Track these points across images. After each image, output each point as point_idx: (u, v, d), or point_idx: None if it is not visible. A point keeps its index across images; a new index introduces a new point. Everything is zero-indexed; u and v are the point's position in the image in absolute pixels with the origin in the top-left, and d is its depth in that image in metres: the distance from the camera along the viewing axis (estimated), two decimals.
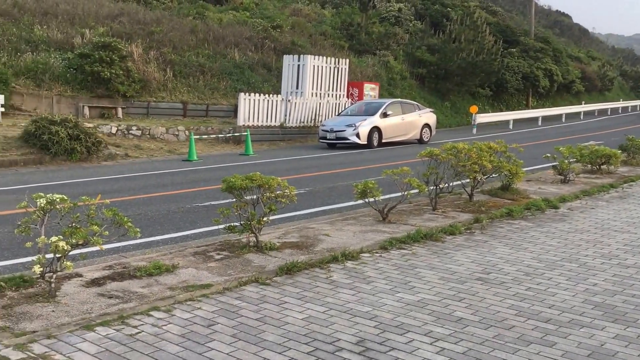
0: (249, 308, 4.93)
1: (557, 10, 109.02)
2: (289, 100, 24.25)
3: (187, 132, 21.15)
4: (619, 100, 54.88)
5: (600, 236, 7.70)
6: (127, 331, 4.44)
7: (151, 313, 4.79)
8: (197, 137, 19.75)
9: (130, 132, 20.75)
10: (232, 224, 6.70)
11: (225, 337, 4.34)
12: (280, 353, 4.09)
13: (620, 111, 49.61)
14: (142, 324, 4.57)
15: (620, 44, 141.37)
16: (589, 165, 13.35)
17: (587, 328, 4.63)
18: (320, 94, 25.87)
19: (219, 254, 6.48)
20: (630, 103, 54.68)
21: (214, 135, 21.75)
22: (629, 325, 4.70)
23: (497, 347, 4.25)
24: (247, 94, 23.11)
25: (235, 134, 21.67)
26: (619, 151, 14.05)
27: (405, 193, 8.23)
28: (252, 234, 6.73)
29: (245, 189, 6.62)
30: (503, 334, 4.48)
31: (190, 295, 5.20)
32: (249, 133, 19.80)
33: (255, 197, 6.72)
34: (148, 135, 20.87)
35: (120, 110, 23.18)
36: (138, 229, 5.43)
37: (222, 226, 6.79)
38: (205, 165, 16.32)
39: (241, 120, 22.44)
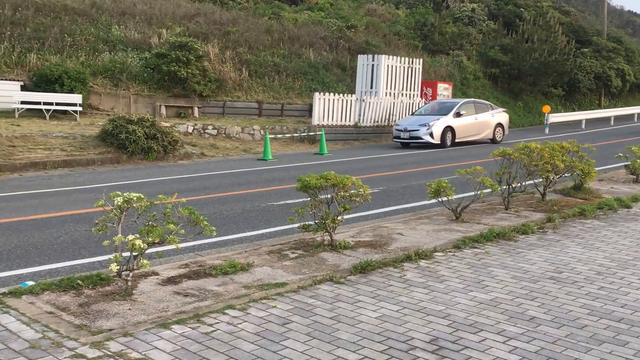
0: (323, 307, 5.04)
1: (629, 11, 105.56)
2: (363, 100, 24.35)
3: (262, 131, 21.61)
4: None
5: None
6: (202, 329, 4.49)
7: (226, 311, 4.85)
8: (272, 136, 20.09)
9: (206, 131, 21.36)
10: (306, 222, 6.83)
11: (299, 336, 4.45)
12: (354, 352, 4.18)
13: None
14: (218, 322, 4.63)
15: None
16: None
17: None
18: (394, 93, 25.89)
19: (293, 253, 6.64)
20: None
21: (289, 135, 22.07)
22: None
23: (569, 346, 4.31)
24: (321, 93, 23.33)
25: (310, 134, 21.94)
26: None
27: (478, 192, 8.26)
28: (327, 233, 6.88)
29: (319, 188, 6.72)
30: (575, 333, 4.53)
31: (265, 293, 5.30)
32: (323, 132, 20.06)
33: (329, 196, 6.84)
34: (224, 135, 21.43)
35: (196, 110, 23.89)
36: (214, 228, 5.44)
37: (296, 225, 6.92)
38: (280, 164, 16.63)
39: (316, 119, 22.66)
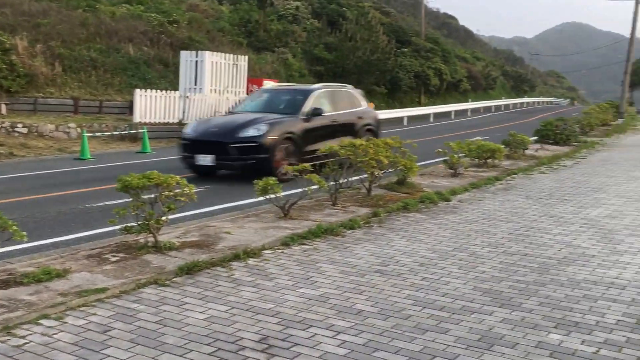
0: (147, 311, 4.82)
1: (445, 13, 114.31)
2: (187, 97, 23.87)
3: (78, 129, 20.34)
4: (502, 99, 58.13)
5: (488, 226, 8.12)
6: (13, 342, 4.18)
7: (40, 321, 4.54)
8: (90, 134, 19.02)
9: (15, 129, 19.72)
10: (128, 224, 6.51)
11: (122, 343, 4.22)
12: (180, 356, 4.03)
13: (502, 108, 52.75)
14: (31, 334, 4.32)
15: (502, 46, 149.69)
16: (476, 160, 14.01)
17: (477, 314, 4.88)
18: (220, 90, 25.62)
19: (114, 256, 6.28)
20: (512, 101, 58.45)
21: (109, 133, 21.03)
22: (514, 309, 5.01)
23: (395, 336, 4.40)
24: (143, 90, 22.53)
25: (132, 132, 21.06)
26: (503, 146, 14.85)
27: (306, 189, 8.33)
28: (150, 234, 6.59)
29: (142, 187, 6.44)
30: (401, 324, 4.64)
31: (84, 300, 4.99)
32: (145, 130, 19.32)
33: (153, 196, 6.57)
34: (35, 133, 19.91)
35: (3, 107, 21.96)
36: (24, 233, 5.21)
37: (118, 227, 6.57)
38: (99, 163, 15.76)
39: (137, 117, 21.87)
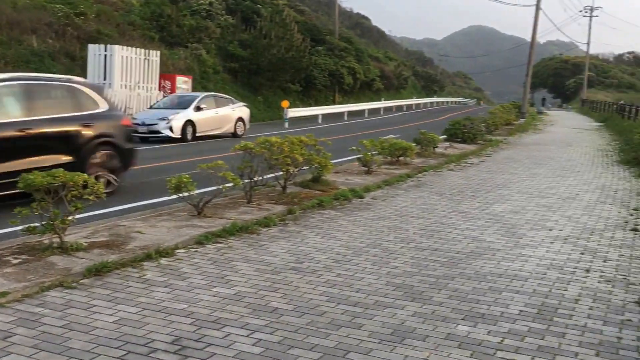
0: (52, 315, 4.62)
1: (358, 13, 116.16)
2: None
3: None
4: (413, 98, 59.68)
5: (400, 222, 8.30)
6: None
7: None
8: None
9: None
10: (32, 224, 6.21)
11: (24, 349, 4.02)
12: None
13: (414, 107, 54.23)
14: None
15: (413, 47, 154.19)
16: (389, 157, 14.30)
17: (390, 308, 4.98)
18: (131, 86, 24.94)
19: (16, 258, 5.96)
20: (422, 100, 60.23)
21: None
22: (425, 303, 5.14)
23: (310, 333, 4.42)
24: None
25: None
26: (414, 144, 15.23)
27: (221, 187, 8.22)
28: (56, 235, 6.31)
29: (46, 186, 6.19)
30: (316, 320, 4.67)
31: None
32: None
33: (58, 194, 6.32)
34: None
35: None
36: None
37: (20, 227, 6.27)
38: None
39: None
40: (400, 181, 11.93)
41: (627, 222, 8.81)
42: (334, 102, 44.30)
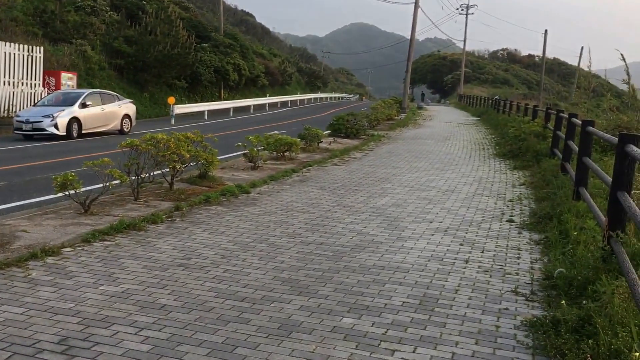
0: None
1: (242, 10, 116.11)
2: None
3: None
4: (297, 94, 60.29)
5: (286, 217, 8.50)
6: None
7: None
8: None
9: None
10: None
11: None
12: None
13: (298, 103, 54.79)
14: None
15: (297, 43, 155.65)
16: (275, 153, 14.50)
17: (277, 302, 5.14)
18: (14, 82, 23.78)
19: None
20: (306, 96, 61.01)
21: None
22: (311, 296, 5.35)
23: (198, 329, 4.50)
24: None
25: None
26: (299, 139, 15.53)
27: (107, 184, 8.10)
28: None
29: None
30: (204, 316, 4.75)
31: None
32: None
33: None
34: None
35: None
36: None
37: None
38: None
39: None
40: (285, 176, 12.14)
41: (503, 214, 9.34)
42: (219, 99, 43.97)
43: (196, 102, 38.78)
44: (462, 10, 75.20)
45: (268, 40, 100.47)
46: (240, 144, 13.05)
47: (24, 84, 24.39)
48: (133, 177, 8.87)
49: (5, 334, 4.26)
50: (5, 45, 23.66)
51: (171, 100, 30.87)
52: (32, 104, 23.32)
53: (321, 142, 17.69)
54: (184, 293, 5.25)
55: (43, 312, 4.69)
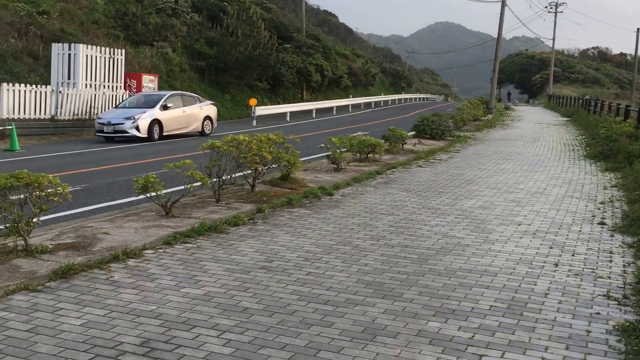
0: (17, 319, 4.53)
1: (325, 10, 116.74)
2: (60, 92, 22.77)
3: None
4: (381, 95, 59.96)
5: (370, 219, 8.31)
6: None
7: None
8: None
9: None
10: None
11: None
12: None
13: (382, 104, 54.47)
14: None
15: (380, 43, 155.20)
16: (358, 154, 14.34)
17: (361, 306, 4.98)
18: (96, 85, 24.67)
19: None
20: (390, 97, 60.50)
21: None
22: (396, 300, 5.15)
23: (280, 332, 4.40)
24: (10, 84, 21.25)
25: None
26: (383, 141, 15.30)
27: (188, 186, 8.15)
28: (20, 237, 6.20)
29: (9, 188, 6.07)
30: (286, 319, 4.64)
31: None
32: (14, 127, 18.18)
33: (22, 196, 6.20)
34: None
35: None
36: None
37: None
38: None
39: (4, 112, 20.68)
40: (369, 178, 11.96)
41: (594, 216, 8.95)
42: (301, 100, 44.23)
43: (278, 103, 39.15)
44: (551, 8, 72.76)
45: (351, 41, 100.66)
46: (322, 145, 12.96)
47: (106, 86, 25.22)
48: (214, 179, 8.91)
49: (88, 335, 4.28)
50: (88, 49, 24.57)
51: (253, 101, 31.22)
52: (114, 106, 23.96)
53: (405, 143, 17.39)
54: (266, 296, 5.17)
55: (125, 314, 4.70)
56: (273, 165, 10.38)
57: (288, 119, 33.10)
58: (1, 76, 23.82)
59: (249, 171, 9.81)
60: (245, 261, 6.19)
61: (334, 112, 40.66)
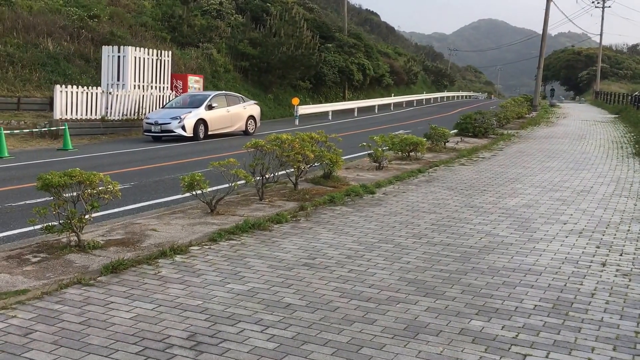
0: (71, 312, 4.71)
1: (367, 9, 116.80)
2: (110, 93, 23.33)
3: None
4: (423, 93, 59.57)
5: (411, 217, 8.32)
6: None
7: None
8: (8, 132, 18.26)
9: None
10: (50, 223, 6.31)
11: (45, 345, 4.10)
12: (106, 356, 3.96)
13: (424, 102, 54.08)
14: None
15: (422, 42, 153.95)
16: (400, 153, 14.32)
17: (403, 303, 5.01)
18: (143, 86, 25.23)
19: (35, 257, 6.10)
20: (432, 95, 60.06)
21: (28, 130, 20.27)
22: (438, 298, 5.17)
23: (323, 328, 4.46)
24: (63, 85, 21.85)
25: (52, 128, 20.44)
26: (425, 139, 15.23)
27: (233, 184, 8.29)
28: (73, 233, 6.42)
29: (63, 186, 6.29)
30: (329, 316, 4.71)
31: (4, 303, 4.82)
32: (67, 127, 18.73)
33: (75, 194, 6.41)
34: None
35: None
36: None
37: (38, 226, 6.37)
38: (18, 162, 15.16)
39: (58, 113, 21.24)
40: (411, 176, 11.94)
41: None
42: (343, 99, 44.28)
43: (320, 102, 39.29)
44: (598, 2, 71.02)
45: (393, 39, 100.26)
46: (364, 144, 12.99)
47: (153, 87, 25.70)
48: (258, 178, 9.04)
49: (137, 328, 4.43)
50: (136, 51, 25.07)
51: (295, 101, 31.42)
52: (161, 106, 24.42)
53: (448, 141, 17.28)
54: (309, 292, 5.24)
55: (172, 308, 4.83)
56: (315, 164, 10.47)
57: (330, 117, 33.18)
58: (55, 78, 24.53)
59: (292, 169, 9.93)
60: (288, 258, 6.28)
61: (376, 111, 40.59)
